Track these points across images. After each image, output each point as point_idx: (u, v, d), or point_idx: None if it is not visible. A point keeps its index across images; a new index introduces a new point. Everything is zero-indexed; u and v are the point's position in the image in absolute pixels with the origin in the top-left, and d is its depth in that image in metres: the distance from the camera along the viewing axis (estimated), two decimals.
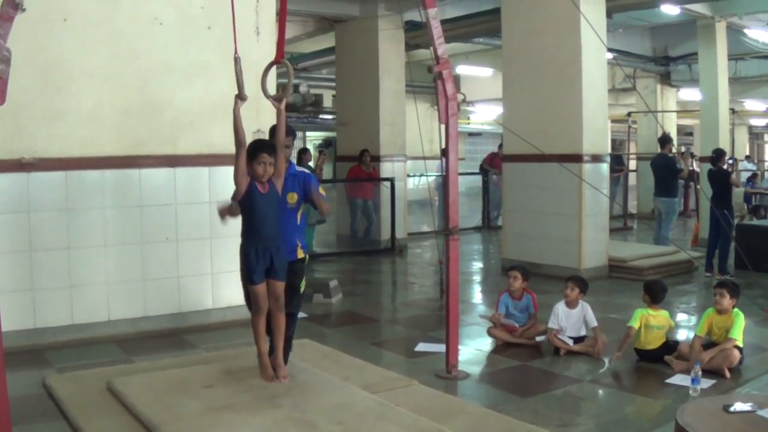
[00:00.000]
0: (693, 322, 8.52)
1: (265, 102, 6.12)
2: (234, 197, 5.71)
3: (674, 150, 14.62)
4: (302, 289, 6.33)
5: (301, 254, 6.20)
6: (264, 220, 5.63)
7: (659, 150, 13.77)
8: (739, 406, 4.55)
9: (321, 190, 6.23)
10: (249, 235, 5.68)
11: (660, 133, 14.70)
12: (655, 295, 7.30)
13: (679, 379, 6.66)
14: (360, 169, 14.76)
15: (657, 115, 20.43)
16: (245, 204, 5.63)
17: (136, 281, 8.17)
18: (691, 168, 14.73)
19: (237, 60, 5.69)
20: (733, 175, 11.73)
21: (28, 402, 6.05)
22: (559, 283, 8.11)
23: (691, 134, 33.48)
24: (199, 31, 8.33)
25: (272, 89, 6.04)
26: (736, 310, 6.97)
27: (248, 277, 5.73)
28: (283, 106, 5.84)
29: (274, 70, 6.31)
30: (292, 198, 6.09)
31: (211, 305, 8.62)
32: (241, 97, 5.63)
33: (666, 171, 13.30)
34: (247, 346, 7.68)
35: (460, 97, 6.84)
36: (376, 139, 14.99)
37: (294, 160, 6.59)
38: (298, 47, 19.75)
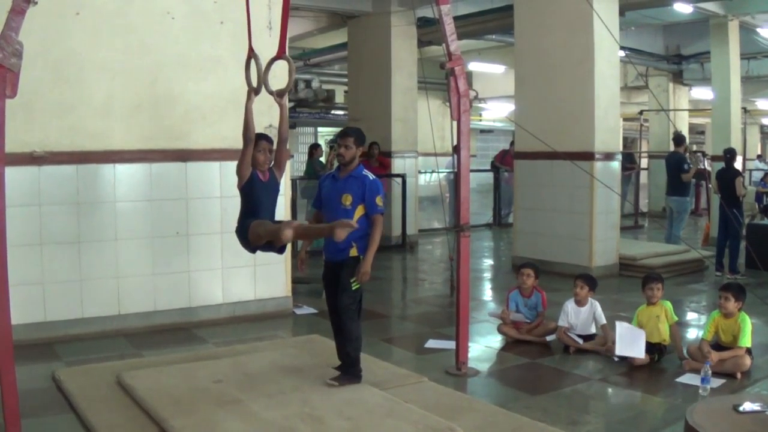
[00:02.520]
0: (703, 321, 8.49)
1: None
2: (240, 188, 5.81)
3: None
4: (354, 287, 6.09)
5: (354, 253, 6.11)
6: (261, 205, 5.73)
7: (673, 148, 13.71)
8: (748, 406, 4.53)
9: (379, 200, 6.16)
10: (247, 217, 5.72)
11: (673, 132, 14.65)
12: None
13: (688, 379, 6.64)
14: (368, 163, 14.72)
15: (669, 113, 20.36)
16: (246, 191, 5.75)
17: (146, 275, 8.19)
18: (701, 167, 14.67)
19: (256, 56, 5.75)
20: (739, 179, 11.69)
21: (38, 395, 6.07)
22: (570, 280, 8.10)
23: (702, 133, 33.38)
24: (211, 26, 8.35)
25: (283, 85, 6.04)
26: (742, 313, 6.91)
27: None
28: (285, 101, 5.92)
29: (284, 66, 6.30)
30: (347, 200, 6.09)
31: (221, 300, 8.64)
32: (256, 92, 5.71)
33: (678, 169, 13.26)
34: (257, 341, 7.72)
35: (472, 93, 6.83)
36: (387, 135, 14.96)
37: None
38: (310, 43, 19.76)
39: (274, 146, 5.97)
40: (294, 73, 5.92)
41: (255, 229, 5.55)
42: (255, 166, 5.74)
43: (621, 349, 7.12)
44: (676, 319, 7.33)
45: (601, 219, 11.46)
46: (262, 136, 5.79)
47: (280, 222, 5.73)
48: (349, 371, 6.12)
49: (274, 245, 5.62)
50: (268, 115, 8.10)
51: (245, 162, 5.69)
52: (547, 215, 11.99)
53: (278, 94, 5.89)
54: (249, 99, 5.72)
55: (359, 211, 6.09)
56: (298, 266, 6.42)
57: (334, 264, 6.18)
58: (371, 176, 6.26)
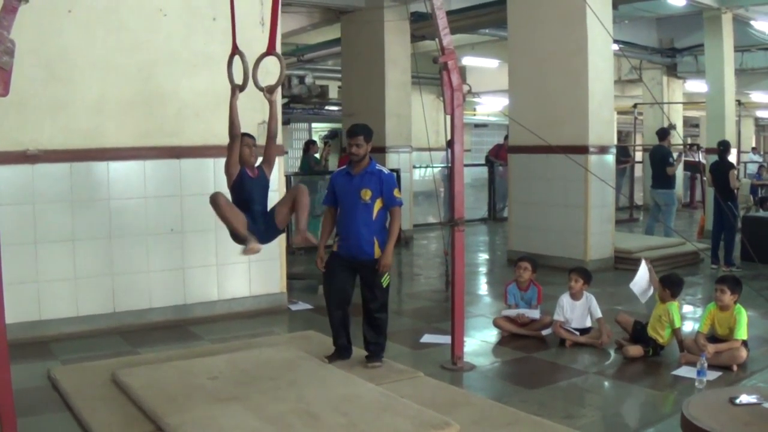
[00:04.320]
0: (698, 314, 8.48)
1: None
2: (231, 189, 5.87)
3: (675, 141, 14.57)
4: (385, 284, 6.46)
5: (378, 253, 6.38)
6: (253, 200, 5.81)
7: (658, 142, 13.71)
8: (745, 399, 4.53)
9: (396, 193, 6.42)
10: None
11: (667, 124, 14.64)
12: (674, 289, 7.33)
13: (684, 371, 6.63)
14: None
15: (663, 106, 20.37)
16: (237, 188, 5.82)
17: (141, 273, 8.17)
18: (686, 159, 14.64)
19: (241, 53, 5.75)
20: (733, 172, 11.70)
21: (33, 394, 6.05)
22: (565, 274, 8.09)
23: (697, 126, 33.38)
24: (203, 22, 8.32)
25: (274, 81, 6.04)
26: (738, 306, 6.90)
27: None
28: (275, 98, 5.95)
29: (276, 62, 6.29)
30: (366, 194, 6.33)
31: (216, 297, 8.63)
32: (240, 88, 5.73)
33: (663, 163, 13.26)
34: (252, 338, 7.71)
35: (465, 88, 6.82)
36: (382, 130, 14.87)
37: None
38: (303, 38, 19.70)
39: (263, 142, 6.01)
40: (284, 70, 5.93)
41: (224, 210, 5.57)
42: (243, 163, 5.80)
43: (634, 285, 7.65)
44: (678, 325, 7.13)
45: (596, 212, 11.47)
46: (243, 134, 5.84)
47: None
48: (379, 355, 6.61)
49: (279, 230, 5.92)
50: (261, 112, 8.06)
51: (233, 160, 5.76)
52: (542, 209, 11.99)
53: (268, 91, 5.91)
54: (233, 96, 5.75)
55: (378, 205, 6.35)
56: (320, 266, 6.62)
57: (354, 262, 6.44)
58: (386, 170, 6.50)
